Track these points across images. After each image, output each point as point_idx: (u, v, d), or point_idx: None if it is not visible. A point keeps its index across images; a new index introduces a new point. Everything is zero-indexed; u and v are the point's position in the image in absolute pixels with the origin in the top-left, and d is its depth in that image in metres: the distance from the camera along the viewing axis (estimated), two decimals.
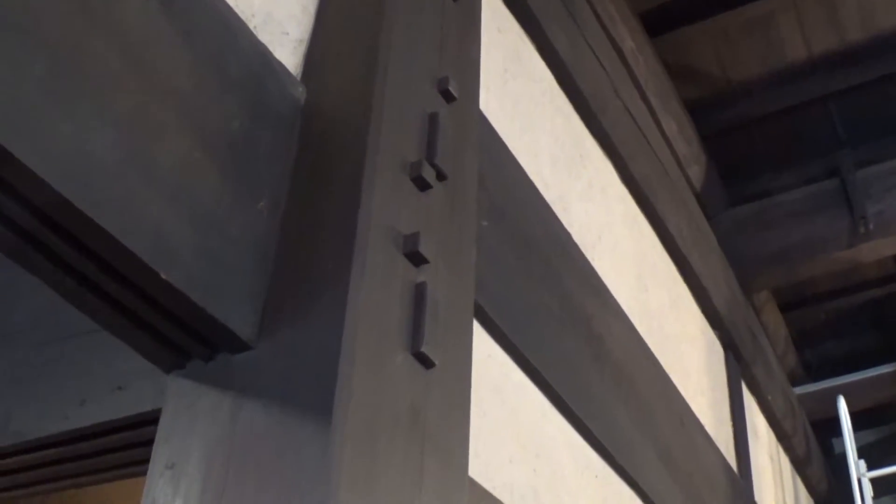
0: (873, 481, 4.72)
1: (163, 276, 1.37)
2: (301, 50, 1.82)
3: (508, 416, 2.17)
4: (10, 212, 1.33)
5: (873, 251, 4.30)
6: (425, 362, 1.53)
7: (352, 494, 1.31)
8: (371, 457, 1.37)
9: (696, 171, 4.15)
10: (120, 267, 1.37)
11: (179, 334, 1.49)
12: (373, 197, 1.55)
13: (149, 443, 1.72)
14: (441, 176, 1.73)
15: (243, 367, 1.49)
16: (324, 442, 1.32)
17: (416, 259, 1.59)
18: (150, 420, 1.67)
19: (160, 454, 1.51)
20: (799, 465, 5.10)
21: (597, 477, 2.55)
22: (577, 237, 2.74)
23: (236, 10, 1.65)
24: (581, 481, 2.46)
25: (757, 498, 4.03)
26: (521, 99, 2.70)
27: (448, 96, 1.87)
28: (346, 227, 1.53)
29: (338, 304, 1.44)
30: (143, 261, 1.35)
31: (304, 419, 1.37)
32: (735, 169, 4.50)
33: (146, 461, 1.76)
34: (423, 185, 1.68)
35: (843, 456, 5.24)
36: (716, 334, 4.08)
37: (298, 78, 1.78)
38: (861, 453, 4.87)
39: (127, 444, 1.77)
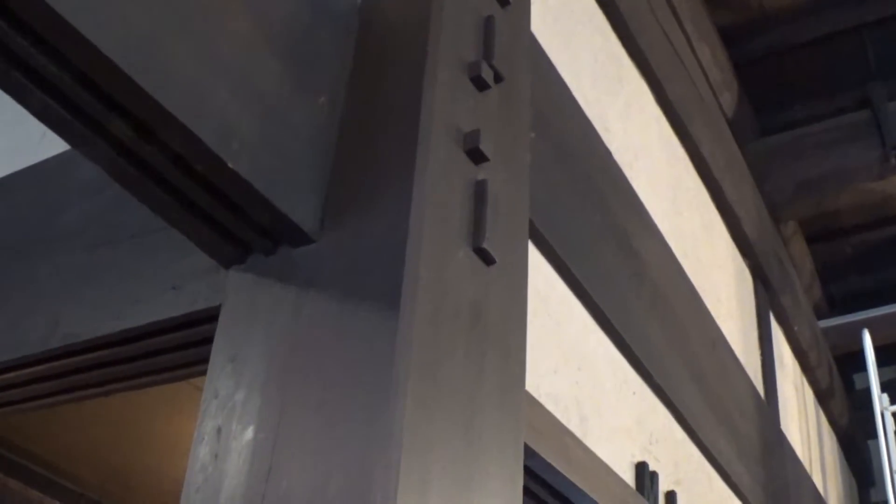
0: None
1: (229, 164, 1.37)
2: None
3: (553, 327, 2.17)
4: (76, 97, 1.33)
5: None
6: (486, 259, 1.53)
7: (419, 384, 1.31)
8: (436, 349, 1.37)
9: (728, 99, 4.12)
10: (186, 154, 1.37)
11: (241, 227, 1.48)
12: (434, 94, 1.54)
13: (203, 342, 1.73)
14: (498, 77, 1.72)
15: (305, 261, 1.49)
16: (391, 333, 1.33)
17: (477, 156, 1.58)
18: (206, 318, 1.67)
19: (221, 347, 1.51)
20: (822, 397, 5.12)
21: (634, 394, 2.56)
22: (616, 156, 2.73)
23: None
24: (619, 396, 2.46)
25: (782, 426, 4.04)
26: (561, 15, 2.67)
27: (502, 0, 1.85)
28: (409, 123, 1.52)
29: (402, 199, 1.44)
30: (210, 148, 1.35)
31: (371, 311, 1.37)
32: (767, 98, 4.47)
33: (200, 362, 1.77)
34: (481, 84, 1.67)
35: (864, 391, 5.26)
36: (745, 262, 4.07)
37: None
38: (884, 388, 4.88)
39: (181, 345, 1.77)
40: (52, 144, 2.36)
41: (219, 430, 1.42)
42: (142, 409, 3.74)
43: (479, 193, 1.56)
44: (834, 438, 5.38)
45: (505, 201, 1.62)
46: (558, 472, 2.02)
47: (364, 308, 1.38)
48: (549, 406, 2.06)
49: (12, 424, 3.75)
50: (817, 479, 4.65)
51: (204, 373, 1.67)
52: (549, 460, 1.97)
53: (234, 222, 1.47)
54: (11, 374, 2.01)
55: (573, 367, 2.23)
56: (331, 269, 1.45)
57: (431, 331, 1.37)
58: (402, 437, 1.25)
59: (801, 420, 4.62)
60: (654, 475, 2.51)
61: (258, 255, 1.54)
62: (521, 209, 1.69)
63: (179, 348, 1.78)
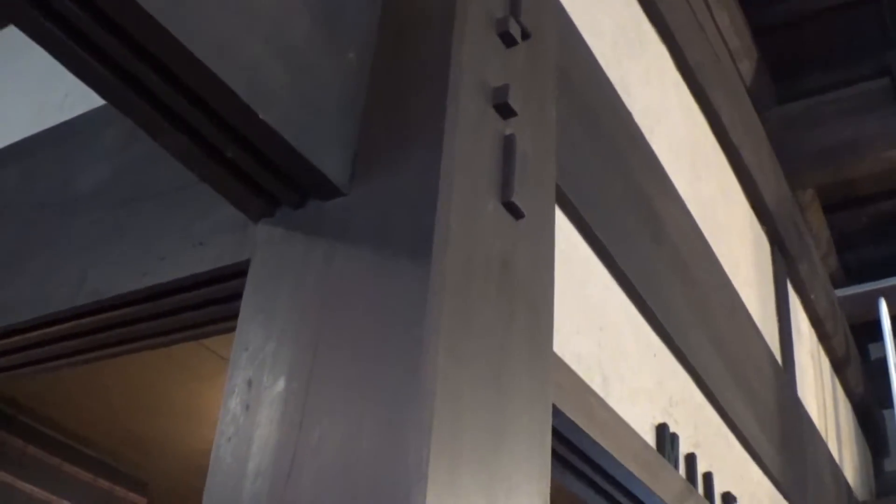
0: None
1: (260, 115, 1.37)
2: None
3: (576, 287, 2.17)
4: (109, 49, 1.33)
5: None
6: (515, 212, 1.53)
7: (451, 334, 1.32)
8: (467, 300, 1.38)
9: (747, 66, 4.10)
10: (218, 106, 1.37)
11: (271, 179, 1.49)
12: (463, 49, 1.54)
13: (230, 298, 1.74)
14: (525, 34, 1.72)
15: (335, 214, 1.49)
16: (423, 284, 1.33)
17: (505, 111, 1.58)
18: (233, 274, 1.68)
19: (251, 300, 1.52)
20: (838, 366, 5.12)
21: (655, 356, 2.56)
22: (637, 119, 2.72)
23: None
24: (640, 358, 2.47)
25: (799, 394, 4.05)
26: None
27: None
28: (438, 78, 1.52)
29: (433, 152, 1.44)
30: (242, 99, 1.35)
31: (402, 262, 1.37)
32: (785, 66, 4.46)
33: (226, 318, 1.78)
34: (509, 40, 1.67)
35: (880, 361, 5.26)
36: (763, 229, 4.07)
37: None
38: None
39: (207, 301, 1.78)
40: (74, 107, 2.37)
41: (249, 382, 1.43)
42: (158, 374, 3.75)
43: (508, 148, 1.56)
44: (849, 407, 5.39)
45: (532, 157, 1.62)
46: (582, 431, 2.02)
47: (395, 259, 1.38)
48: (573, 365, 2.06)
49: (31, 392, 3.76)
50: (833, 448, 4.66)
51: (229, 329, 1.68)
52: (573, 419, 1.98)
53: (264, 175, 1.48)
54: (38, 332, 2.02)
55: (595, 328, 2.24)
56: (361, 221, 1.46)
57: (462, 282, 1.38)
58: (435, 386, 1.26)
59: (818, 388, 4.62)
60: (674, 437, 2.51)
61: (287, 209, 1.55)
62: (548, 165, 1.70)
63: (206, 304, 1.79)
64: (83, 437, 4.11)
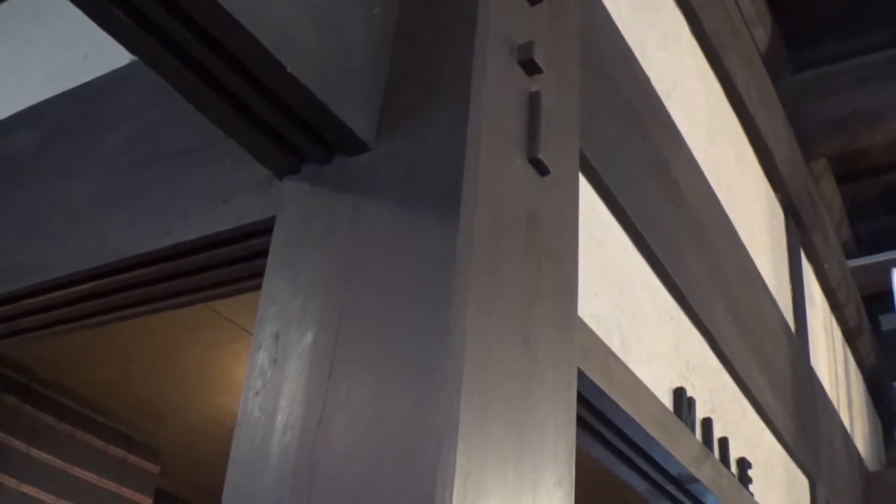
0: None
1: (288, 69, 1.37)
2: None
3: (595, 249, 2.17)
4: (138, 2, 1.33)
5: None
6: (540, 169, 1.53)
7: (480, 288, 1.32)
8: (495, 255, 1.38)
9: (761, 34, 4.08)
10: (246, 59, 1.37)
11: (297, 135, 1.49)
12: (489, 6, 1.54)
13: (254, 256, 1.74)
14: None
15: (361, 169, 1.49)
16: (452, 238, 1.33)
17: (531, 68, 1.58)
18: (258, 232, 1.68)
19: (278, 255, 1.52)
20: (850, 335, 5.12)
21: (672, 320, 2.57)
22: (654, 84, 2.72)
23: None
24: (658, 322, 2.47)
25: (812, 363, 4.05)
26: None
27: None
28: (464, 34, 1.52)
29: (460, 108, 1.44)
30: (270, 53, 1.35)
31: (430, 217, 1.37)
32: (799, 34, 4.43)
33: (250, 276, 1.79)
34: None
35: (891, 332, 5.27)
36: (777, 198, 4.06)
37: None
38: None
39: (231, 259, 1.78)
40: (94, 67, 2.37)
41: (277, 336, 1.43)
42: (171, 342, 3.76)
43: (534, 104, 1.56)
44: (861, 378, 5.39)
45: (557, 114, 1.62)
46: (602, 392, 2.03)
47: (423, 214, 1.38)
48: (593, 327, 2.06)
49: (45, 360, 3.78)
50: (844, 417, 4.66)
51: (254, 288, 1.69)
52: (593, 379, 1.98)
53: (291, 130, 1.48)
54: (60, 293, 2.03)
55: (615, 291, 2.24)
56: (387, 176, 1.46)
57: (491, 236, 1.38)
58: (465, 339, 1.26)
59: (830, 358, 4.63)
60: (691, 401, 2.52)
61: (313, 165, 1.55)
62: (572, 123, 1.69)
63: (230, 263, 1.79)
64: (96, 405, 4.13)
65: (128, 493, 4.21)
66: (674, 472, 2.42)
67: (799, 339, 3.89)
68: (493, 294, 1.35)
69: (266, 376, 1.41)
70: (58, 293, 2.04)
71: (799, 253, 4.19)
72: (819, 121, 4.35)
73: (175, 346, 3.84)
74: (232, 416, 4.17)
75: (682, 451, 2.38)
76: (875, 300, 5.52)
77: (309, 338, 1.39)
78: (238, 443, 1.39)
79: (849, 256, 5.29)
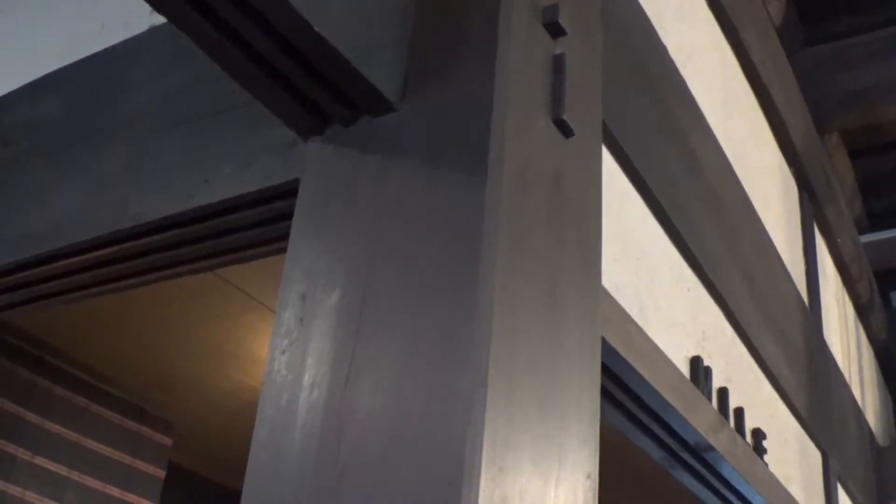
0: None
1: (315, 28, 1.37)
2: None
3: (615, 216, 2.17)
4: None
5: None
6: (565, 130, 1.53)
7: (506, 249, 1.32)
8: (522, 216, 1.38)
9: (776, 7, 4.07)
10: (273, 19, 1.37)
11: (323, 94, 1.49)
12: None
13: (278, 219, 1.75)
14: None
15: (387, 130, 1.49)
16: (479, 199, 1.33)
17: (555, 30, 1.57)
18: (281, 194, 1.69)
19: (303, 216, 1.53)
20: (861, 311, 5.12)
21: (689, 290, 2.57)
22: (672, 54, 2.71)
23: None
24: (675, 291, 2.47)
25: (825, 336, 4.05)
26: None
27: None
28: None
29: (485, 68, 1.44)
30: (298, 12, 1.35)
31: (457, 177, 1.38)
32: (813, 8, 4.42)
33: (274, 240, 1.79)
34: None
35: None
36: (791, 171, 4.05)
37: None
38: None
39: (255, 222, 1.78)
40: (111, 35, 2.37)
41: (303, 296, 1.44)
42: (185, 314, 3.77)
43: (558, 66, 1.56)
44: (872, 353, 5.39)
45: (581, 76, 1.62)
46: (622, 359, 2.03)
47: (449, 175, 1.38)
48: (612, 293, 2.07)
49: (59, 333, 3.79)
50: (856, 392, 4.67)
51: (278, 251, 1.69)
52: (613, 346, 1.98)
53: (316, 90, 1.48)
54: (82, 258, 2.03)
55: (633, 258, 2.24)
56: (413, 137, 1.46)
57: (517, 197, 1.38)
58: (492, 298, 1.26)
59: (842, 332, 4.63)
60: (707, 370, 2.52)
61: (338, 126, 1.55)
62: (595, 86, 1.69)
63: (254, 226, 1.80)
64: (110, 378, 4.14)
65: (141, 465, 4.23)
66: (690, 441, 2.43)
67: (812, 312, 3.90)
68: (520, 256, 1.36)
69: (292, 335, 1.42)
70: (79, 258, 2.04)
71: (812, 227, 4.19)
72: (833, 95, 4.34)
73: (189, 319, 3.85)
74: (246, 389, 4.18)
75: (699, 419, 2.38)
76: (886, 277, 5.51)
77: (336, 297, 1.39)
78: (265, 401, 1.39)
79: (861, 232, 5.28)
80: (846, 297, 4.88)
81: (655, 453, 2.46)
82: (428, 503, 1.15)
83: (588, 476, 1.40)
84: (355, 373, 1.31)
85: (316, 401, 1.33)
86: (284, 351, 1.41)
